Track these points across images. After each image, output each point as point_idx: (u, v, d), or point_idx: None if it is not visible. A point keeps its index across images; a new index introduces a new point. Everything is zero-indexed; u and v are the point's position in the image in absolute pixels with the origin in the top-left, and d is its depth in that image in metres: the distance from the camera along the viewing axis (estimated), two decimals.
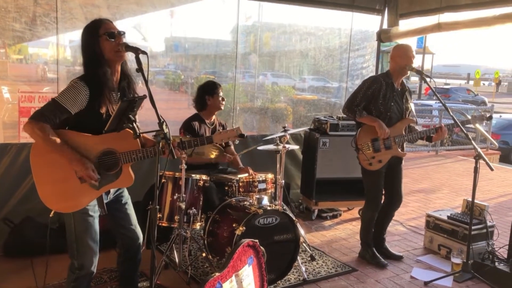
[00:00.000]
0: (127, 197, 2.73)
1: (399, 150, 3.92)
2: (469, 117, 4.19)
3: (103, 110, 2.43)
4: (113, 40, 2.40)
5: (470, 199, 3.91)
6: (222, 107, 4.17)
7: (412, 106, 4.03)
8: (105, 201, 2.55)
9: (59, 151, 2.34)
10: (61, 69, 4.59)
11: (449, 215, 4.35)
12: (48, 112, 2.32)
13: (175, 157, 2.39)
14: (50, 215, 2.54)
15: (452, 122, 3.88)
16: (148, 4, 5.02)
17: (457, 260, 3.88)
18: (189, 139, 2.65)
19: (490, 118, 4.12)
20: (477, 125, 4.08)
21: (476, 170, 3.62)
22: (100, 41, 2.40)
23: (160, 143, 2.29)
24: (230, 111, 5.90)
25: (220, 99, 4.10)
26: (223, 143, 2.86)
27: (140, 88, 2.63)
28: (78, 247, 2.48)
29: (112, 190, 2.59)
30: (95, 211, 2.51)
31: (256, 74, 9.24)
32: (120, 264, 2.88)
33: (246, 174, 3.92)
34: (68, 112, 2.34)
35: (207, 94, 4.10)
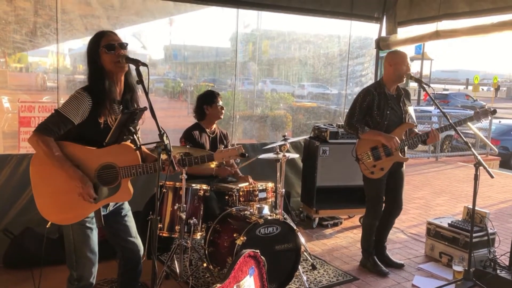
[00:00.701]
0: (127, 209, 2.72)
1: (400, 155, 3.92)
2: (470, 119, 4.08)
3: (102, 120, 2.42)
4: (112, 52, 2.41)
5: (470, 206, 3.90)
6: (222, 116, 4.17)
7: (411, 109, 4.03)
8: (103, 213, 2.54)
9: (61, 166, 2.35)
10: (61, 77, 4.61)
11: (450, 222, 4.34)
12: (52, 124, 2.33)
13: (175, 169, 2.40)
14: (47, 226, 2.54)
15: (444, 125, 3.83)
16: (148, 14, 5.04)
17: (458, 268, 3.87)
18: (190, 157, 2.65)
19: (495, 112, 3.96)
20: (476, 131, 4.07)
21: (476, 178, 3.61)
22: (100, 53, 2.41)
23: (161, 155, 2.29)
24: (230, 119, 5.91)
25: (219, 108, 4.11)
26: (224, 161, 2.84)
27: (140, 97, 2.63)
28: (77, 259, 2.47)
29: (111, 203, 2.58)
30: (93, 223, 2.50)
31: (255, 81, 9.27)
32: (120, 275, 2.87)
33: (247, 184, 3.92)
34: (71, 122, 2.35)
35: (205, 104, 4.10)
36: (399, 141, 3.77)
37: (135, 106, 2.58)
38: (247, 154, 2.74)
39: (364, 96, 3.86)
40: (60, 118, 2.33)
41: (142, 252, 2.78)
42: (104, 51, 2.40)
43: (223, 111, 4.15)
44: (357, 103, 3.88)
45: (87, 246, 2.47)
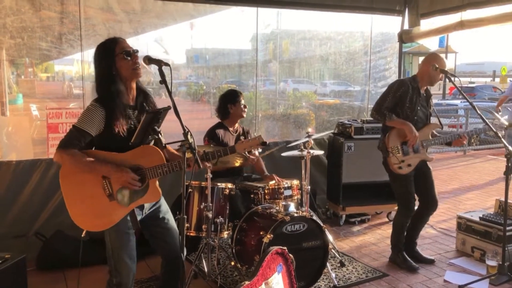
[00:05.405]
0: (165, 211, 2.71)
1: (427, 154, 3.87)
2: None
3: (117, 129, 2.43)
4: (129, 58, 2.44)
5: (502, 199, 3.80)
6: (244, 115, 4.19)
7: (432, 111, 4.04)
8: (140, 217, 2.57)
9: (93, 170, 2.38)
10: (87, 84, 4.71)
11: (481, 216, 4.23)
12: (72, 138, 2.39)
13: (201, 167, 2.40)
14: (82, 235, 2.57)
15: (473, 130, 3.83)
16: (169, 17, 5.08)
17: (492, 263, 3.77)
18: (212, 151, 2.64)
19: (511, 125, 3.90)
20: (505, 123, 3.97)
21: (508, 169, 3.52)
22: (116, 60, 2.43)
23: (186, 153, 2.30)
24: (253, 118, 5.92)
25: (242, 106, 4.13)
26: (246, 152, 2.82)
27: (164, 100, 2.65)
28: (115, 264, 2.49)
29: (147, 205, 2.59)
30: (130, 227, 2.50)
31: (277, 81, 9.26)
32: (162, 274, 2.87)
33: (273, 181, 3.90)
34: (89, 134, 2.39)
35: (229, 103, 4.13)
36: (418, 136, 3.74)
37: (152, 106, 2.61)
38: (267, 142, 2.72)
39: (399, 86, 3.82)
40: (78, 132, 2.38)
41: (183, 255, 2.77)
42: (122, 57, 2.43)
43: (245, 109, 4.17)
44: (391, 91, 3.83)
45: (125, 252, 2.48)
